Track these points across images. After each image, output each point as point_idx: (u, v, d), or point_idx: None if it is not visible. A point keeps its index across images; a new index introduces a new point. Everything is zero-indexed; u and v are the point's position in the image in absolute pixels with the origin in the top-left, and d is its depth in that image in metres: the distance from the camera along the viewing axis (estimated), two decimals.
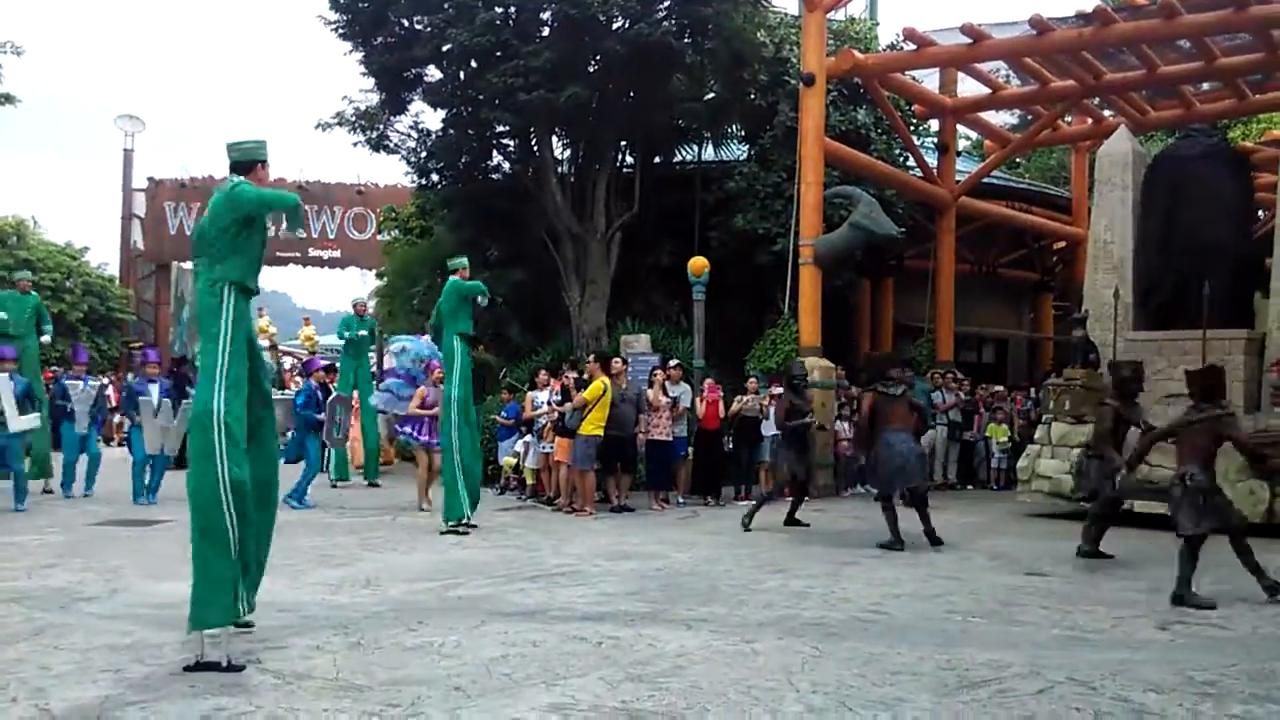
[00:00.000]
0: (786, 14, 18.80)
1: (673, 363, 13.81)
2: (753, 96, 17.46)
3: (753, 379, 14.26)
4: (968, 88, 19.44)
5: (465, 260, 11.27)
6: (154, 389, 12.84)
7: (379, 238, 29.46)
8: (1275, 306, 11.81)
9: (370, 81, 17.69)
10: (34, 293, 14.93)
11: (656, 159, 18.64)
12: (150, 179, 38.80)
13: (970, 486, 16.01)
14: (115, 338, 34.27)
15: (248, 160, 5.74)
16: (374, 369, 17.68)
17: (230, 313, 5.48)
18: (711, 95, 17.83)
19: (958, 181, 19.21)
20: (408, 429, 12.70)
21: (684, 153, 19.27)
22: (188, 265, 42.91)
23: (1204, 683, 5.21)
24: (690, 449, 13.68)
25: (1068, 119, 19.96)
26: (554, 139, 17.52)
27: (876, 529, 10.60)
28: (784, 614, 6.74)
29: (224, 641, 5.23)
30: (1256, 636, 6.35)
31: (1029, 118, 21.91)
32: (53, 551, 8.92)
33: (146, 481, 12.65)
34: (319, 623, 6.21)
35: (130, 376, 17.18)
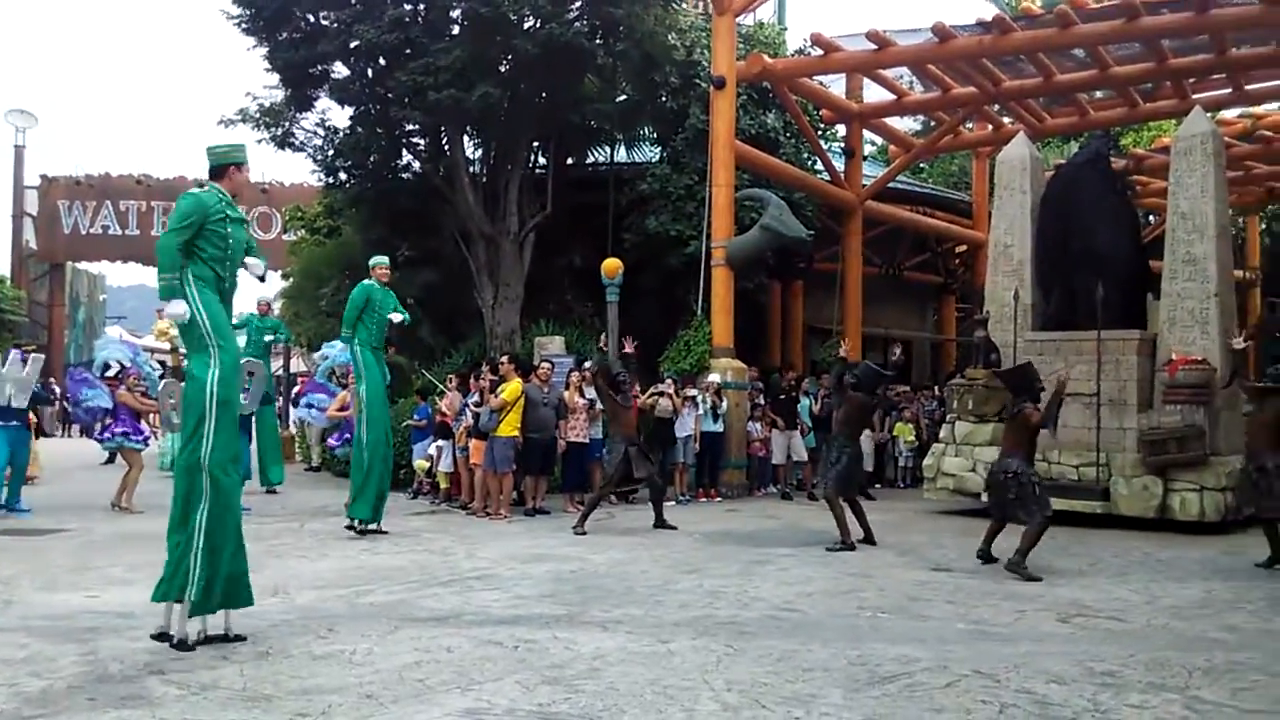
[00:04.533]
0: (697, 17, 18.94)
1: (588, 364, 13.79)
2: (664, 99, 17.55)
3: (669, 380, 14.30)
4: (873, 94, 19.81)
5: (383, 259, 10.95)
6: None
7: (285, 237, 28.91)
8: (1165, 308, 12.26)
9: (275, 77, 17.31)
10: None
11: (569, 160, 18.62)
12: (43, 176, 37.53)
13: (879, 485, 16.33)
14: (6, 340, 32.96)
15: (220, 165, 5.83)
16: (279, 372, 17.27)
17: (200, 300, 5.66)
18: (623, 97, 17.88)
19: (864, 185, 19.56)
20: (333, 441, 12.50)
21: (597, 154, 19.28)
22: (83, 265, 41.75)
23: (1103, 673, 5.39)
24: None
25: (969, 125, 20.47)
26: (465, 138, 17.38)
27: (789, 527, 10.75)
28: (699, 614, 6.78)
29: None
30: (1151, 628, 6.60)
31: (932, 124, 22.42)
32: None
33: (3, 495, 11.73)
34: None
35: None
